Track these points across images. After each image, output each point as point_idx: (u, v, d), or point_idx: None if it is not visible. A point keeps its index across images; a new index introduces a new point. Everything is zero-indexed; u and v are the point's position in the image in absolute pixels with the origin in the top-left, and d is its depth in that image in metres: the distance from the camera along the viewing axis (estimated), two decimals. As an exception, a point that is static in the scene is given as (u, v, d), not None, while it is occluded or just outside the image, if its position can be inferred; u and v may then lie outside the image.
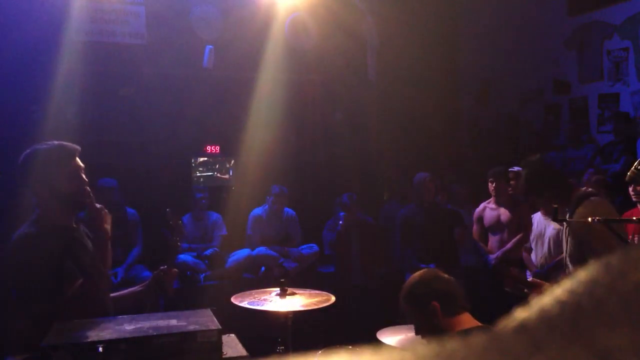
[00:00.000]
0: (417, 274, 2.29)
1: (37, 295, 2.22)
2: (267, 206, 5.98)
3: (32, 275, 2.22)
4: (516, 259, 4.99)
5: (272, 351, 2.90)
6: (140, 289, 2.69)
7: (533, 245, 5.13)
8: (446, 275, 2.27)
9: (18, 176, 2.42)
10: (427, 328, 2.18)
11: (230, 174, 6.72)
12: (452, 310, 2.15)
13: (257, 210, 6.01)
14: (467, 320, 2.17)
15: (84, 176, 2.43)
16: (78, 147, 2.45)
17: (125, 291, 2.72)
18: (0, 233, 4.32)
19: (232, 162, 6.72)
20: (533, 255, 5.14)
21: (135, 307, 2.55)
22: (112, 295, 2.58)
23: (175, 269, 2.67)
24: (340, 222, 5.74)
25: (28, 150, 2.39)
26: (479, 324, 2.17)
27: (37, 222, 2.34)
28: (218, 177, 6.70)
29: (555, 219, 3.23)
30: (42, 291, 2.22)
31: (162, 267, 2.64)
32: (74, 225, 2.45)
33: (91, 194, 2.46)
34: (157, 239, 5.09)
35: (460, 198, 6.11)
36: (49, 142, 2.42)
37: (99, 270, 2.48)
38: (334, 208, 5.97)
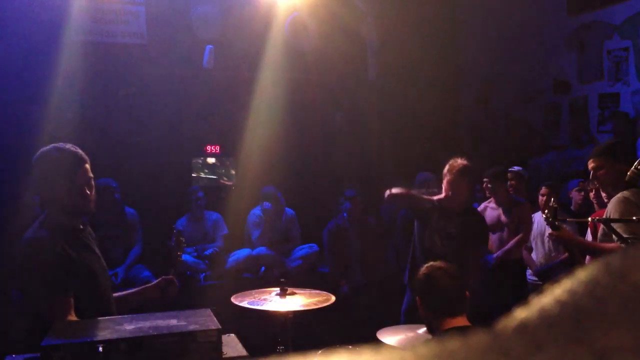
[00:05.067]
0: (431, 264, 2.43)
1: (43, 297, 2.24)
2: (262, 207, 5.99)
3: (40, 278, 2.24)
4: (516, 259, 4.99)
5: (272, 351, 2.90)
6: (141, 292, 2.73)
7: (533, 245, 5.14)
8: (442, 274, 2.34)
9: (29, 174, 2.42)
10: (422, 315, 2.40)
11: (232, 179, 6.72)
12: (433, 308, 2.31)
13: (256, 210, 6.01)
14: (457, 320, 2.25)
15: (87, 190, 2.40)
16: (86, 158, 2.43)
17: (127, 292, 2.73)
18: (1, 231, 4.33)
19: (233, 164, 6.71)
20: (534, 255, 5.15)
21: (135, 308, 2.57)
22: (114, 295, 2.60)
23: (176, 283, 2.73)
24: (345, 214, 5.74)
25: (43, 149, 2.39)
26: (466, 324, 2.23)
27: (44, 223, 2.36)
28: (220, 181, 6.70)
29: (555, 219, 3.23)
30: (48, 293, 2.23)
31: (164, 277, 2.70)
32: (81, 227, 2.47)
33: (92, 205, 2.45)
34: (158, 241, 5.10)
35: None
36: (62, 147, 2.39)
37: (104, 271, 2.51)
38: (337, 207, 5.96)
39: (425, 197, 4.05)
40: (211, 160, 6.70)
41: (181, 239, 2.81)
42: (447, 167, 3.94)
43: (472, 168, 3.94)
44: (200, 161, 6.65)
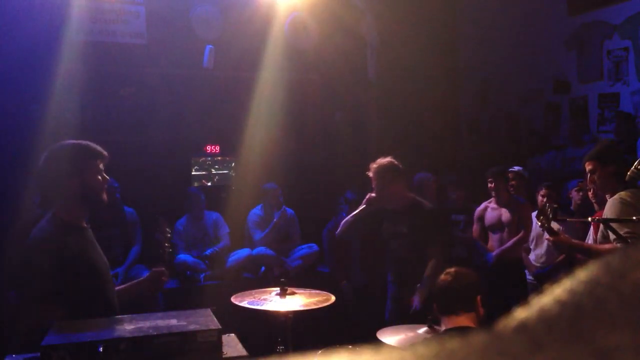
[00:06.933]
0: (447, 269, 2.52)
1: (50, 296, 2.25)
2: (263, 205, 5.99)
3: (48, 277, 2.25)
4: (516, 258, 4.99)
5: (272, 351, 2.90)
6: (134, 286, 2.78)
7: (532, 245, 5.13)
8: (451, 274, 2.43)
9: (34, 174, 2.46)
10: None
11: (230, 179, 6.71)
12: (443, 310, 2.40)
13: (257, 210, 6.01)
14: (458, 320, 2.32)
15: (99, 180, 2.49)
16: (101, 154, 2.51)
17: (121, 287, 2.76)
18: (1, 231, 4.34)
19: (232, 164, 6.71)
20: (532, 255, 5.15)
21: (133, 302, 2.63)
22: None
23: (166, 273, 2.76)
24: (344, 214, 5.74)
25: (51, 147, 2.45)
26: (466, 325, 2.26)
27: (51, 222, 2.37)
28: (217, 180, 6.70)
29: (553, 220, 3.23)
30: (56, 291, 2.25)
31: (155, 269, 2.74)
32: (85, 225, 2.49)
33: (105, 196, 2.51)
34: (152, 241, 5.11)
35: (457, 204, 5.88)
36: (73, 141, 2.49)
37: (107, 268, 2.55)
38: (337, 207, 5.95)
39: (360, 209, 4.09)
40: (210, 160, 6.69)
41: (167, 229, 2.85)
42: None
43: (389, 165, 3.95)
44: (200, 161, 6.65)
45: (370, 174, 3.96)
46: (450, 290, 2.35)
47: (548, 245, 4.94)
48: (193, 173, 6.55)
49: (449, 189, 5.85)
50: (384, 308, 4.22)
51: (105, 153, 2.50)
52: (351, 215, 4.18)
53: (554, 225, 3.43)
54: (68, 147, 2.44)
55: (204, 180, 6.63)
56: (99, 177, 2.45)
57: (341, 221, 5.77)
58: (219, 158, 6.73)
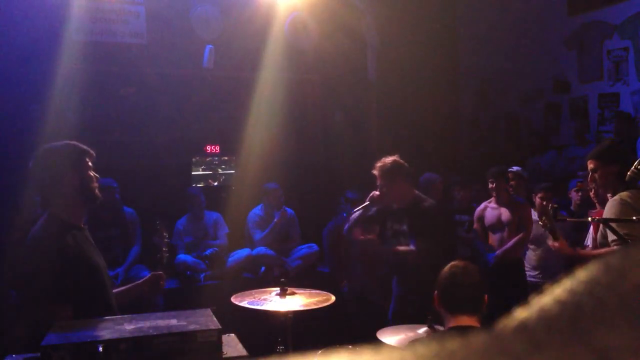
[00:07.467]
0: (455, 262, 2.45)
1: (42, 305, 2.25)
2: (264, 205, 5.99)
3: (48, 277, 2.25)
4: (516, 259, 4.98)
5: (272, 351, 2.90)
6: (134, 288, 2.79)
7: (531, 245, 5.13)
8: (459, 271, 2.36)
9: (30, 175, 2.48)
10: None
11: (230, 179, 6.70)
12: (447, 306, 2.32)
13: (257, 210, 6.01)
14: (463, 319, 2.26)
15: (93, 177, 2.51)
16: (88, 151, 2.52)
17: (120, 289, 2.76)
18: (1, 231, 4.34)
19: (233, 164, 6.71)
20: (532, 254, 5.14)
21: (133, 302, 2.63)
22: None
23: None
24: (344, 214, 5.74)
25: (45, 146, 2.47)
26: (469, 325, 2.23)
27: (49, 222, 2.37)
28: (218, 179, 6.70)
29: (555, 219, 3.23)
30: (48, 301, 2.25)
31: (154, 272, 2.77)
32: (83, 226, 2.50)
33: (99, 193, 2.53)
34: (151, 244, 5.12)
35: (462, 204, 5.86)
36: (63, 142, 2.50)
37: (105, 267, 2.55)
38: (338, 207, 5.95)
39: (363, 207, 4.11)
40: (210, 160, 6.69)
41: (165, 234, 2.86)
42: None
43: (393, 164, 3.94)
44: (200, 161, 6.64)
45: (375, 172, 3.96)
46: (457, 287, 2.29)
47: (545, 247, 4.94)
48: (193, 173, 6.54)
49: (454, 190, 5.85)
50: (384, 308, 4.22)
51: (92, 151, 2.52)
52: (356, 211, 4.16)
53: None
54: (62, 147, 2.45)
55: (210, 180, 6.63)
56: (92, 174, 2.48)
57: (341, 221, 5.79)
58: (225, 158, 6.72)
